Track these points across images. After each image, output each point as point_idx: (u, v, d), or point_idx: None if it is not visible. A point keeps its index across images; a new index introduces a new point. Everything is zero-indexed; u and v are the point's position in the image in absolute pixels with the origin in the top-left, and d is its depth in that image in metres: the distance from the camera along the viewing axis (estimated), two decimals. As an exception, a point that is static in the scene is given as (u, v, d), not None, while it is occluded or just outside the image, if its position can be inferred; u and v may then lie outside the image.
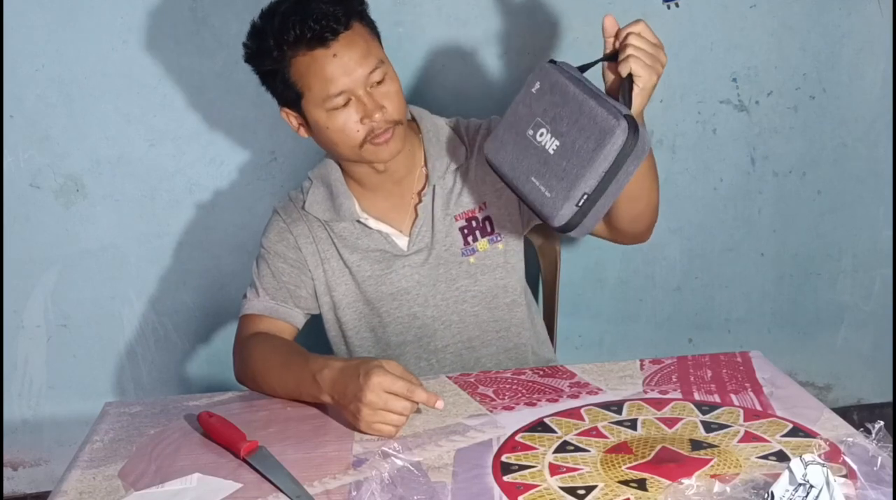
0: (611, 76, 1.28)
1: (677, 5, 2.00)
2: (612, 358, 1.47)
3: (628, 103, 1.23)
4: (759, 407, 1.21)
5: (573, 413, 1.21)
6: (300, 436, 1.20)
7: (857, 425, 1.08)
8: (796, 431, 1.14)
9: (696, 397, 1.25)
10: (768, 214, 2.18)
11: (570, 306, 2.05)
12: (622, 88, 1.24)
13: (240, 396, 1.35)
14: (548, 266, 1.82)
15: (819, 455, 0.94)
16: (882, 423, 1.02)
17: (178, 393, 2.03)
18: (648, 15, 1.99)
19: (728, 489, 0.96)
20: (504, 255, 1.52)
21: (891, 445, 1.01)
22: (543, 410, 1.23)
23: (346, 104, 1.37)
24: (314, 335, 1.58)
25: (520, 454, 1.11)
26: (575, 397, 1.27)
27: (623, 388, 1.29)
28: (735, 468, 1.04)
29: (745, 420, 1.17)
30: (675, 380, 1.31)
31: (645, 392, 1.27)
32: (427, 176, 1.50)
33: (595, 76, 1.28)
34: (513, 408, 1.24)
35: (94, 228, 1.98)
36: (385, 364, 1.19)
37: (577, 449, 1.11)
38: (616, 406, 1.23)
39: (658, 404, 1.23)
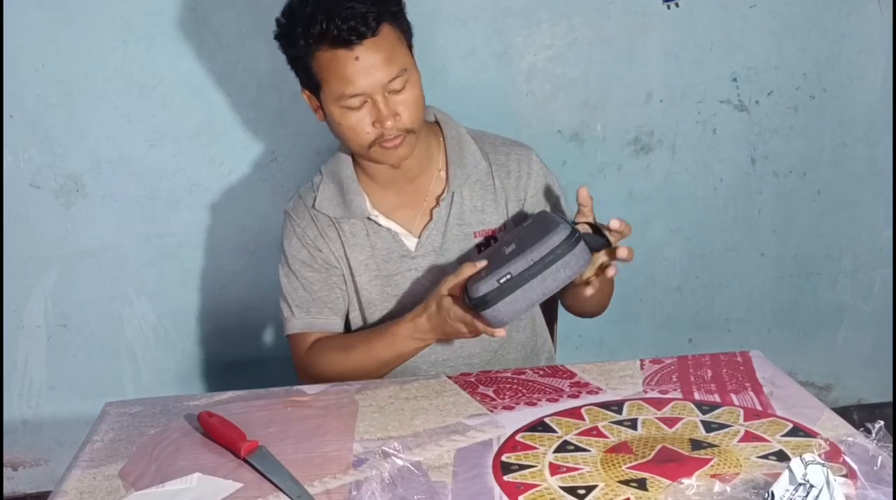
0: (585, 228, 1.32)
1: (677, 5, 2.00)
2: (612, 358, 1.47)
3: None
4: (759, 407, 1.21)
5: (573, 413, 1.21)
6: (300, 436, 1.20)
7: (858, 424, 1.08)
8: (796, 431, 1.14)
9: (697, 396, 1.25)
10: (768, 214, 2.18)
11: (571, 306, 2.05)
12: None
13: (240, 396, 1.35)
14: (548, 266, 1.82)
15: (819, 455, 0.94)
16: (882, 423, 1.02)
17: (178, 393, 2.03)
18: (648, 15, 2.01)
19: (728, 488, 0.96)
20: None
21: (891, 445, 1.01)
22: (543, 410, 1.23)
23: (361, 106, 1.36)
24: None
25: (520, 453, 1.11)
26: (575, 396, 1.27)
27: (623, 388, 1.29)
28: (735, 467, 1.04)
29: (745, 420, 1.17)
30: (675, 380, 1.31)
31: (645, 392, 1.27)
32: (447, 181, 1.50)
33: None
34: (513, 408, 1.24)
35: (94, 228, 1.98)
36: (442, 289, 1.33)
37: (578, 449, 1.11)
38: (616, 406, 1.23)
39: (658, 403, 1.23)
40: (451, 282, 1.32)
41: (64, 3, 1.85)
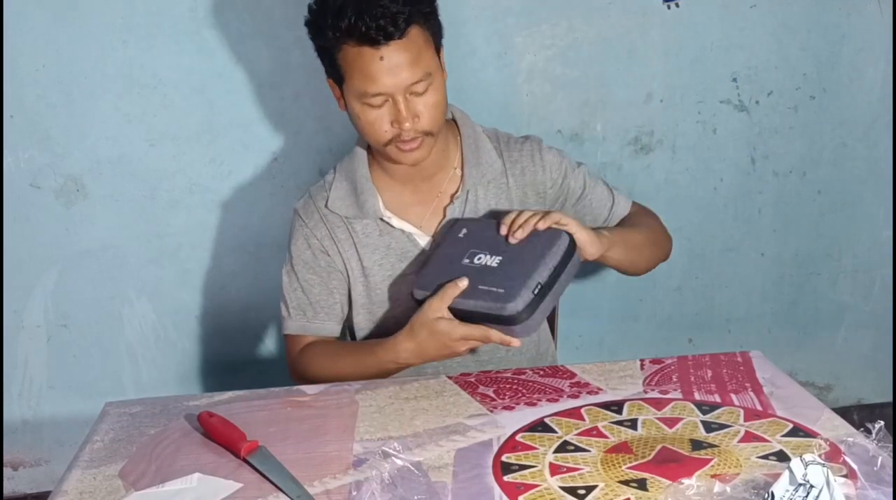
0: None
1: (677, 5, 2.00)
2: (612, 358, 1.47)
3: None
4: (759, 407, 1.21)
5: (573, 413, 1.21)
6: (300, 436, 1.20)
7: (858, 425, 1.08)
8: (796, 431, 1.14)
9: (697, 396, 1.25)
10: (768, 214, 2.18)
11: (570, 306, 2.05)
12: None
13: (240, 396, 1.35)
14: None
15: (819, 455, 0.94)
16: (882, 423, 1.02)
17: (178, 393, 2.03)
18: (648, 15, 2.01)
19: (728, 489, 0.96)
20: None
21: (891, 445, 1.01)
22: (544, 410, 1.23)
23: (381, 104, 1.36)
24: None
25: (520, 453, 1.11)
26: (575, 396, 1.27)
27: (623, 388, 1.29)
28: (735, 467, 1.04)
29: (745, 420, 1.17)
30: (675, 380, 1.31)
31: (645, 392, 1.27)
32: (462, 180, 1.50)
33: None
34: (513, 408, 1.24)
35: (94, 228, 1.98)
36: (430, 314, 1.32)
37: (578, 449, 1.11)
38: (616, 406, 1.23)
39: (658, 403, 1.23)
40: (437, 304, 1.32)
41: (64, 3, 1.84)
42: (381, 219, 1.49)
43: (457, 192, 1.50)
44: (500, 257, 1.32)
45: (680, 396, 1.26)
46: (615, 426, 1.17)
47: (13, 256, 1.98)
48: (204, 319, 2.08)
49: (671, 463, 1.06)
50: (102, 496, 1.08)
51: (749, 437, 1.12)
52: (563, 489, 1.02)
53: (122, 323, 2.06)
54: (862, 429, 1.04)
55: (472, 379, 1.35)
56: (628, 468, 1.06)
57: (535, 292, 1.27)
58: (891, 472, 0.99)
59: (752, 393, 1.25)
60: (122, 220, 1.99)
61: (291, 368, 1.56)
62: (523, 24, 1.98)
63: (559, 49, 2.01)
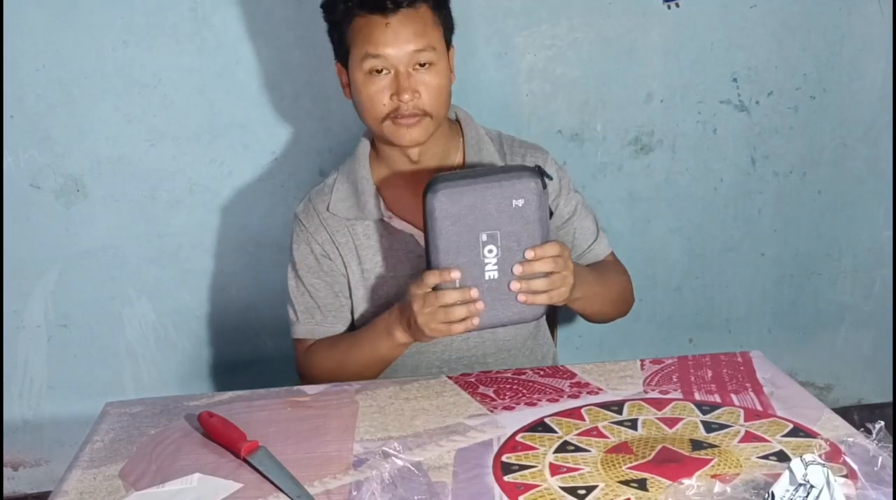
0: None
1: (677, 5, 2.00)
2: (612, 358, 1.47)
3: None
4: (759, 407, 1.21)
5: (573, 413, 1.21)
6: (300, 436, 1.20)
7: (858, 425, 1.08)
8: (797, 431, 1.14)
9: (697, 397, 1.25)
10: (768, 214, 2.18)
11: (571, 306, 2.05)
12: None
13: (240, 396, 1.35)
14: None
15: (819, 455, 0.94)
16: (882, 423, 1.02)
17: (178, 393, 2.03)
18: (648, 15, 2.01)
19: (728, 489, 0.96)
20: None
21: (891, 445, 1.01)
22: (544, 410, 1.23)
23: (383, 72, 1.38)
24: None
25: (520, 453, 1.11)
26: (575, 397, 1.27)
27: (623, 388, 1.29)
28: (735, 468, 1.04)
29: (745, 420, 1.17)
30: (675, 380, 1.31)
31: (645, 392, 1.27)
32: None
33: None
34: (513, 408, 1.24)
35: (94, 228, 1.98)
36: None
37: (578, 449, 1.11)
38: (616, 406, 1.23)
39: (658, 404, 1.23)
40: (416, 283, 1.30)
41: (64, 3, 1.84)
42: (382, 220, 1.49)
43: None
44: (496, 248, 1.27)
45: (680, 396, 1.26)
46: (615, 426, 1.17)
47: (13, 256, 1.98)
48: (204, 319, 2.08)
49: (671, 463, 1.06)
50: (102, 496, 1.08)
51: (749, 437, 1.12)
52: (564, 489, 1.02)
53: (122, 323, 2.06)
54: (862, 429, 1.04)
55: (472, 379, 1.35)
56: (628, 468, 1.06)
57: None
58: (891, 472, 0.99)
59: (752, 393, 1.25)
60: (122, 220, 1.99)
61: (299, 371, 1.56)
62: (523, 24, 1.98)
63: (559, 49, 2.01)
